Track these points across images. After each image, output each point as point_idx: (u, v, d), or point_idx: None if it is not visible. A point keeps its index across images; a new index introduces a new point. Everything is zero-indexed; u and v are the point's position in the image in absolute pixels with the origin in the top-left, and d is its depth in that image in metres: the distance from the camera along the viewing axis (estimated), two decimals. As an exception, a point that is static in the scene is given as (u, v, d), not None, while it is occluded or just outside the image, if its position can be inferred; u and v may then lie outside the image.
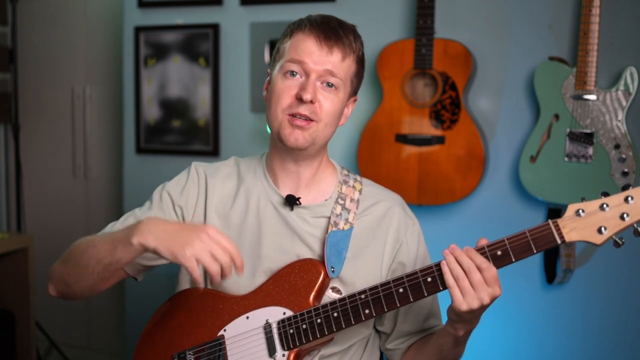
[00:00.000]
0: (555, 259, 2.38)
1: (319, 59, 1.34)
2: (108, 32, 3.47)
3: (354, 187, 1.48)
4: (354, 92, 1.45)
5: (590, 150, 2.22)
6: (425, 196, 2.43)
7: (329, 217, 1.42)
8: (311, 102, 1.33)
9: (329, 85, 1.36)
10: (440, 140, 2.41)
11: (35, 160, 3.73)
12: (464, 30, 2.47)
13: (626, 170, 2.18)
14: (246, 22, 2.81)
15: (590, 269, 2.38)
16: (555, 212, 2.34)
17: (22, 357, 2.96)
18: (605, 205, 1.16)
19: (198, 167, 1.52)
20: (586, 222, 1.17)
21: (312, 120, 1.35)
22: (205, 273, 1.46)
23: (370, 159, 2.50)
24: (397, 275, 1.30)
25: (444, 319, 1.52)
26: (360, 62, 1.42)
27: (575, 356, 2.42)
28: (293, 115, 1.34)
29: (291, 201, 1.42)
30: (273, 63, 1.42)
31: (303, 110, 1.34)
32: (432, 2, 2.34)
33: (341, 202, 1.44)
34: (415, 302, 1.38)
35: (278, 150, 1.44)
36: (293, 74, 1.35)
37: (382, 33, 2.55)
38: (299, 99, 1.33)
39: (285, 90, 1.35)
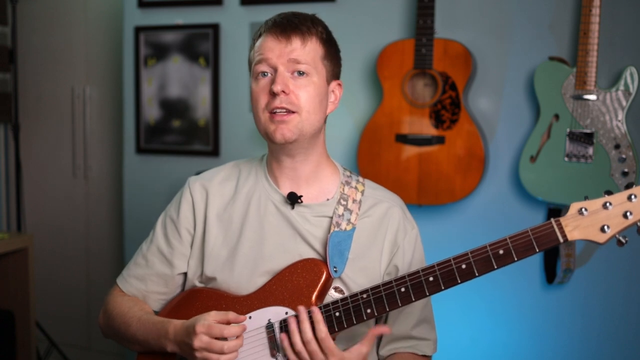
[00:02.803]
0: (555, 259, 2.38)
1: (280, 50, 1.36)
2: (108, 32, 3.47)
3: (356, 188, 1.48)
4: (334, 76, 1.45)
5: (590, 150, 2.23)
6: (425, 196, 2.43)
7: (331, 217, 1.42)
8: (283, 92, 1.34)
9: (299, 74, 1.36)
10: (440, 140, 2.41)
11: (35, 160, 3.74)
12: (464, 30, 2.47)
13: (626, 170, 2.18)
14: (246, 22, 2.81)
15: (590, 269, 2.38)
16: (555, 212, 2.35)
17: (22, 357, 2.96)
18: (608, 204, 1.15)
19: (192, 183, 1.52)
20: (589, 221, 1.16)
21: (292, 112, 1.35)
22: (202, 274, 1.47)
23: (370, 159, 2.50)
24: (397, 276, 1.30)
25: (441, 329, 1.53)
26: (326, 43, 1.42)
27: (575, 356, 2.42)
28: (273, 112, 1.36)
29: (293, 199, 1.42)
30: (249, 74, 1.45)
31: (279, 103, 1.34)
32: (432, 2, 2.34)
33: (343, 202, 1.44)
34: (407, 306, 1.38)
35: (272, 151, 1.45)
36: (264, 74, 1.38)
37: (382, 33, 2.55)
38: (272, 94, 1.35)
39: (260, 90, 1.38)
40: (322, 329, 1.26)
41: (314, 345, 1.26)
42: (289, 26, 1.38)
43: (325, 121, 1.45)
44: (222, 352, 1.28)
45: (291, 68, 1.36)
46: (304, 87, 1.36)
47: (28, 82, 3.66)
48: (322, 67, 1.40)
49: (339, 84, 1.47)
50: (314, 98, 1.38)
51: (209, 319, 1.29)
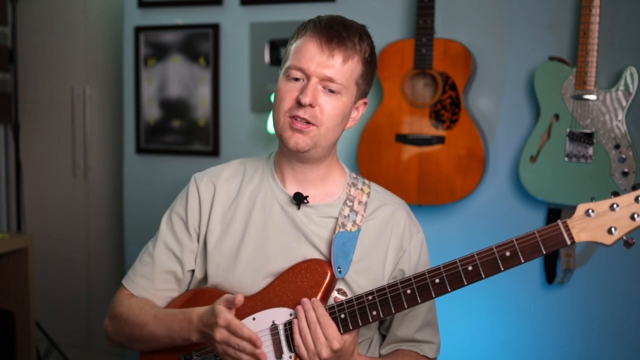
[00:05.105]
0: (555, 259, 2.38)
1: (320, 62, 1.33)
2: (108, 32, 3.47)
3: (362, 190, 1.47)
4: (362, 95, 1.43)
5: (590, 150, 2.22)
6: (425, 196, 2.43)
7: (337, 218, 1.42)
8: (310, 105, 1.33)
9: (330, 91, 1.35)
10: (440, 140, 2.41)
11: (35, 160, 3.73)
12: (464, 30, 2.47)
13: (626, 170, 2.18)
14: (246, 22, 2.81)
15: (590, 269, 2.38)
16: (555, 212, 2.34)
17: (22, 357, 2.96)
18: (615, 205, 1.14)
19: (199, 179, 1.51)
20: (596, 223, 1.15)
21: (312, 124, 1.34)
22: (205, 277, 1.47)
23: (370, 159, 2.50)
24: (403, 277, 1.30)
25: (442, 329, 1.53)
26: (367, 63, 1.39)
27: (575, 356, 2.42)
28: (294, 118, 1.34)
29: (299, 199, 1.41)
30: (282, 64, 1.43)
31: (302, 113, 1.33)
32: (432, 2, 2.34)
33: (349, 204, 1.43)
34: (412, 309, 1.38)
35: (284, 152, 1.44)
36: (296, 79, 1.35)
37: (382, 33, 2.54)
38: (299, 102, 1.33)
39: (287, 93, 1.36)
40: (323, 312, 1.28)
41: (318, 329, 1.27)
42: (336, 38, 1.34)
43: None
44: (240, 349, 1.26)
45: (324, 83, 1.34)
46: (331, 103, 1.35)
47: (28, 82, 3.66)
48: (355, 87, 1.39)
49: (365, 103, 1.46)
50: (338, 116, 1.37)
51: (229, 316, 1.27)
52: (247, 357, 1.26)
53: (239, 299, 1.25)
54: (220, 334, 1.26)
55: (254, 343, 1.24)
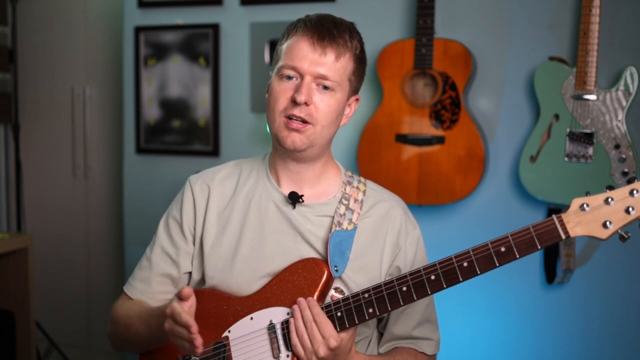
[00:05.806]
0: (555, 259, 2.38)
1: (312, 61, 1.34)
2: (108, 32, 3.47)
3: (357, 188, 1.48)
4: (354, 91, 1.44)
5: (590, 150, 2.23)
6: (425, 196, 2.43)
7: (332, 217, 1.42)
8: (305, 104, 1.34)
9: (324, 88, 1.36)
10: (440, 140, 2.41)
11: (35, 160, 3.73)
12: (464, 30, 2.47)
13: (626, 170, 2.18)
14: (246, 22, 2.81)
15: (590, 269, 2.38)
16: (556, 212, 2.32)
17: (22, 357, 2.96)
18: (610, 199, 1.14)
19: (193, 182, 1.52)
20: (591, 217, 1.15)
21: (308, 122, 1.35)
22: (203, 278, 1.47)
23: (370, 159, 2.50)
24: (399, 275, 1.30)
25: (442, 328, 1.53)
26: (358, 60, 1.41)
27: (575, 356, 2.42)
28: (289, 118, 1.35)
29: (294, 198, 1.42)
30: (272, 65, 1.44)
31: (298, 112, 1.34)
32: (432, 2, 2.34)
33: (345, 202, 1.44)
34: (409, 306, 1.38)
35: (279, 152, 1.44)
36: (289, 78, 1.36)
37: (382, 33, 2.55)
38: (294, 101, 1.34)
39: (282, 92, 1.36)
40: (319, 311, 1.29)
41: (314, 328, 1.27)
42: (327, 36, 1.35)
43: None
44: (179, 336, 1.24)
45: (318, 81, 1.35)
46: (325, 101, 1.36)
47: (28, 82, 3.66)
48: (347, 83, 1.40)
49: (357, 99, 1.47)
50: (332, 113, 1.38)
51: (174, 305, 1.24)
52: (185, 343, 1.24)
53: (186, 292, 1.24)
54: (167, 324, 1.26)
55: (188, 329, 1.21)
